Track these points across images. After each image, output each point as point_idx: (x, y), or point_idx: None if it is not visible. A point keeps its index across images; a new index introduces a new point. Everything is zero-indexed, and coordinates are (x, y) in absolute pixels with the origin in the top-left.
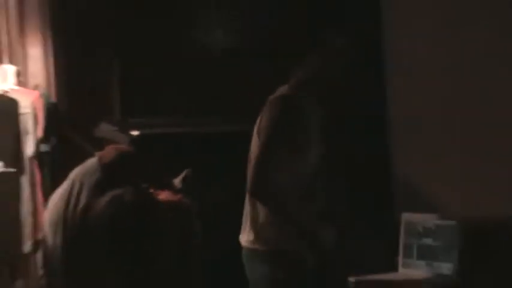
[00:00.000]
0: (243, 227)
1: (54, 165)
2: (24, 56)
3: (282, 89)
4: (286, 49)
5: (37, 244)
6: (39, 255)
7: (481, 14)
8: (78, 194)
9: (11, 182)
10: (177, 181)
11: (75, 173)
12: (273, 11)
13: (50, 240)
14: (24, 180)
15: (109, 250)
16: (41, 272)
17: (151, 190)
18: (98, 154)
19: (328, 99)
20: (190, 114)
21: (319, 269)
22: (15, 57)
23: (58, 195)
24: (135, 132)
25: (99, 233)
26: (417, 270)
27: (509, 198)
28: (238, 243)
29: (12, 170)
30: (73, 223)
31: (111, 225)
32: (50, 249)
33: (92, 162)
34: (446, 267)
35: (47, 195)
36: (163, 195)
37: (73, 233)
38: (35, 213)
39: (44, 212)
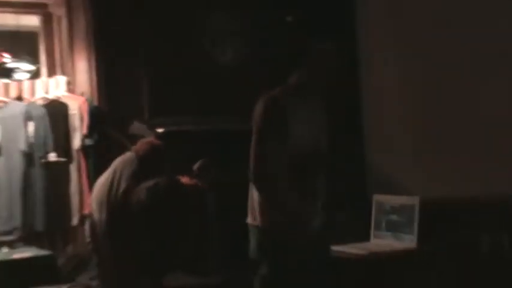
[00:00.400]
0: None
1: (96, 156)
2: (73, 69)
3: (273, 91)
4: (284, 58)
5: (83, 218)
6: (86, 227)
7: (444, 32)
8: (119, 180)
9: (62, 169)
10: (194, 168)
11: (116, 163)
12: (272, 28)
13: (96, 215)
14: (73, 168)
15: (146, 225)
16: (88, 239)
17: (176, 176)
18: (134, 148)
19: (318, 98)
20: (205, 114)
21: (302, 241)
22: (66, 70)
23: (102, 180)
24: (160, 129)
25: (140, 212)
26: (385, 240)
27: (460, 183)
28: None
29: (63, 159)
30: (115, 203)
31: (150, 206)
32: (96, 223)
33: (130, 155)
34: (408, 238)
35: (90, 180)
36: (183, 179)
37: (115, 210)
38: (81, 194)
39: (90, 193)
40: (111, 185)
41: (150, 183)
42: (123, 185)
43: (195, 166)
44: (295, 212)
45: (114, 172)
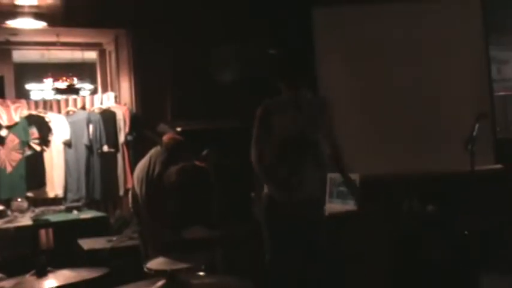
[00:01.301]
0: None
1: (135, 148)
2: (119, 87)
3: (267, 101)
4: (268, 78)
5: (127, 191)
6: (129, 197)
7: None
8: (154, 165)
9: (112, 157)
10: (202, 155)
11: (151, 153)
12: (260, 57)
13: (137, 189)
14: (119, 156)
15: (174, 196)
16: (130, 205)
17: (193, 161)
18: (163, 143)
19: (297, 102)
20: (210, 117)
21: (293, 209)
22: (114, 87)
23: (142, 164)
24: (179, 128)
25: (171, 188)
26: (335, 205)
27: (390, 165)
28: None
29: (113, 150)
30: (151, 181)
31: (179, 183)
32: (137, 194)
33: (160, 147)
34: (351, 203)
35: (131, 164)
36: (196, 163)
37: (151, 186)
38: (125, 174)
39: (132, 173)
40: (148, 168)
41: (176, 167)
42: (157, 169)
43: (203, 153)
44: (287, 182)
45: (150, 159)
